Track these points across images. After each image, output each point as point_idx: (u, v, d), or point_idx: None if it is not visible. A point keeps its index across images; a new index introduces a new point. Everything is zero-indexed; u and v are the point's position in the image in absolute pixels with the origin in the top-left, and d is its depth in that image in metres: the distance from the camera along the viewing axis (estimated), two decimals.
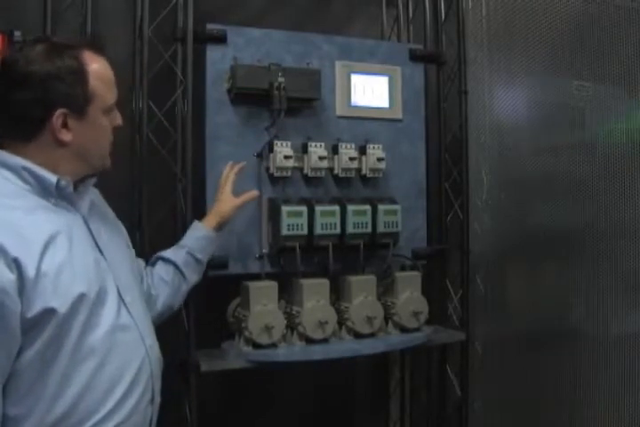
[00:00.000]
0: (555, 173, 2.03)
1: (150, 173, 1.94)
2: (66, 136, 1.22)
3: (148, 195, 1.94)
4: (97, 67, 1.24)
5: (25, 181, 1.20)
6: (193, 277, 1.65)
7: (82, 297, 1.16)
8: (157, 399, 1.33)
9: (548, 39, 2.01)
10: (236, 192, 1.96)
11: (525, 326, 2.16)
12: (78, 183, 1.30)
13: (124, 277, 1.31)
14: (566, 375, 1.97)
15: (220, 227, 1.73)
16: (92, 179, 1.33)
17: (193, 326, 1.92)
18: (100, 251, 1.27)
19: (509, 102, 2.23)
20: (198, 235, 1.69)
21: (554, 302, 2.03)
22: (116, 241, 1.38)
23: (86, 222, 1.27)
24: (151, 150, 1.95)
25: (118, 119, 1.33)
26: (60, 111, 1.20)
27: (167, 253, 1.64)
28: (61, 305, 1.13)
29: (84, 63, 1.22)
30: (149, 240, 1.89)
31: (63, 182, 1.22)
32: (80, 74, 1.22)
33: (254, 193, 1.84)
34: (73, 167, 1.26)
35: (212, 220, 1.73)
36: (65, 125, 1.22)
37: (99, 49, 1.27)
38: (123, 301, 1.26)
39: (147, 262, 1.64)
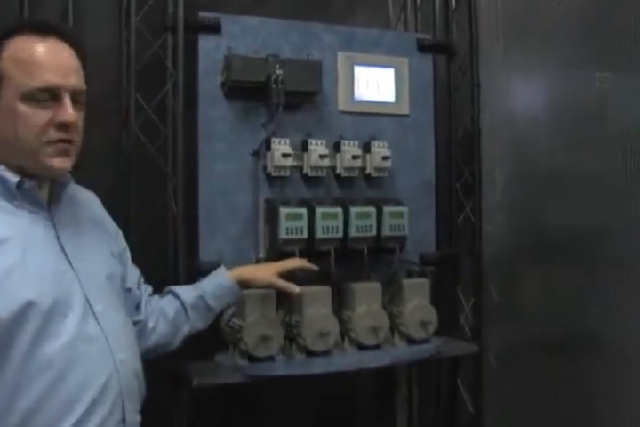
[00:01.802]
0: (575, 171, 2.00)
1: (138, 171, 1.92)
2: None
3: (135, 195, 1.91)
4: (19, 48, 1.22)
5: None
6: (198, 322, 1.62)
7: (30, 305, 1.16)
8: (132, 419, 1.31)
9: (569, 27, 1.98)
10: (231, 192, 1.97)
11: (543, 336, 2.13)
12: (56, 185, 1.29)
13: (96, 286, 1.30)
14: (589, 390, 1.94)
15: (241, 285, 1.70)
16: (69, 182, 1.32)
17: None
18: (68, 259, 1.26)
19: (525, 95, 2.20)
20: (218, 282, 1.67)
21: (574, 310, 2.00)
22: (93, 248, 1.36)
23: (55, 227, 1.26)
24: (139, 148, 1.92)
25: (63, 115, 1.22)
26: None
27: (179, 290, 1.63)
28: (4, 311, 1.13)
29: None
30: (137, 244, 1.86)
31: (27, 184, 1.21)
32: None
33: (297, 290, 1.79)
34: (14, 160, 1.23)
35: (239, 274, 1.71)
36: None
37: (36, 31, 1.24)
38: (92, 311, 1.25)
39: (155, 291, 1.63)
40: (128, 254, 1.56)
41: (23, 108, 1.20)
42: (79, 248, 1.30)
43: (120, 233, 1.55)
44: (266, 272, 1.76)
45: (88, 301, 1.26)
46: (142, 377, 1.38)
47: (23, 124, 1.21)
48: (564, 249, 2.04)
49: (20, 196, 1.23)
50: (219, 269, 1.73)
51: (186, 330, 1.61)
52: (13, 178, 1.21)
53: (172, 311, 1.58)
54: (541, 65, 2.12)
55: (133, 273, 1.57)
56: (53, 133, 1.22)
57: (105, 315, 1.28)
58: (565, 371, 2.03)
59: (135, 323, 1.50)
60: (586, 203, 1.97)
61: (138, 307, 1.54)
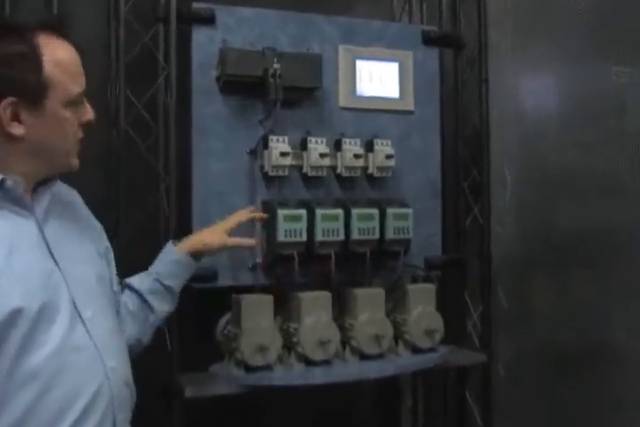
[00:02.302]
0: (589, 170, 1.99)
1: (128, 170, 1.91)
2: (16, 130, 1.21)
3: (125, 196, 1.90)
4: (56, 52, 1.23)
5: None
6: (162, 307, 1.58)
7: (18, 311, 1.15)
8: None
9: (583, 18, 1.96)
10: (227, 192, 1.96)
11: (555, 344, 2.12)
12: (39, 185, 1.28)
13: (85, 289, 1.28)
14: (604, 401, 1.93)
15: (196, 255, 1.65)
16: (54, 180, 1.32)
17: (177, 347, 1.89)
18: (55, 260, 1.25)
19: (536, 91, 2.19)
20: (168, 259, 1.62)
21: (588, 316, 1.99)
22: (81, 249, 1.35)
23: (40, 228, 1.25)
24: (129, 146, 1.91)
25: (88, 114, 1.30)
26: (7, 101, 1.19)
27: (132, 280, 1.59)
28: None
29: (37, 47, 1.20)
30: (128, 248, 1.85)
31: (9, 183, 1.21)
32: (32, 60, 1.20)
33: (252, 242, 1.82)
34: (26, 166, 1.25)
35: (190, 245, 1.65)
36: (16, 118, 1.21)
37: (61, 31, 1.24)
38: (80, 317, 1.24)
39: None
40: (112, 255, 1.54)
41: (66, 113, 1.26)
42: (66, 248, 1.29)
43: (103, 232, 1.53)
44: (215, 235, 1.71)
45: (75, 305, 1.24)
46: (133, 385, 1.37)
47: (66, 129, 1.27)
48: (577, 252, 2.05)
49: (2, 195, 1.22)
50: (166, 247, 1.67)
51: (152, 320, 1.57)
52: None
53: (134, 307, 1.56)
54: (553, 59, 2.12)
55: (114, 274, 1.56)
56: (80, 133, 1.31)
57: (94, 321, 1.26)
58: (578, 381, 2.03)
59: None
60: (599, 203, 1.97)
61: (118, 311, 1.53)
